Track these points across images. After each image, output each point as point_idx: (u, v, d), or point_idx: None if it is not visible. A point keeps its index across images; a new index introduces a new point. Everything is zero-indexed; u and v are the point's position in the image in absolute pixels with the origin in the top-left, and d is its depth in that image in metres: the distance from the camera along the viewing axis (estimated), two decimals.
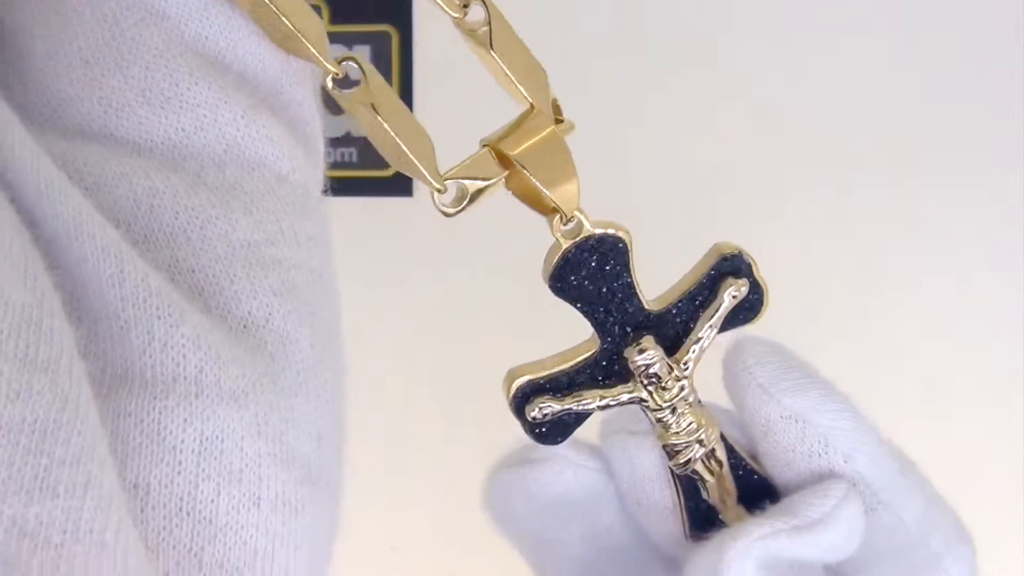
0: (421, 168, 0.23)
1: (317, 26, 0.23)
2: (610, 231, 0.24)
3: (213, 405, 0.22)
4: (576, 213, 0.23)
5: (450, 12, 0.24)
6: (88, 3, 0.24)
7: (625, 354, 0.24)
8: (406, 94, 0.71)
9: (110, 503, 0.19)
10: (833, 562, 0.25)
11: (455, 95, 0.66)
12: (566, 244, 0.24)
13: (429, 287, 0.74)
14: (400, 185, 0.70)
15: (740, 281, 0.25)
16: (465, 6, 0.24)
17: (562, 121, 0.24)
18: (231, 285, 0.23)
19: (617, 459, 0.27)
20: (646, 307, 0.24)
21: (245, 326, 0.23)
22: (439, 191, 0.23)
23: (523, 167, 0.23)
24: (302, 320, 0.24)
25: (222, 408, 0.22)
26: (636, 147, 0.73)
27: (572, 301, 0.24)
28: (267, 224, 0.24)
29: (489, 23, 0.24)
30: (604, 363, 0.25)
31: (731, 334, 0.25)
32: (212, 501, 0.22)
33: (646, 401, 0.25)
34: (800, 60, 0.72)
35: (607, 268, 0.24)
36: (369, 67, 0.23)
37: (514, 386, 0.25)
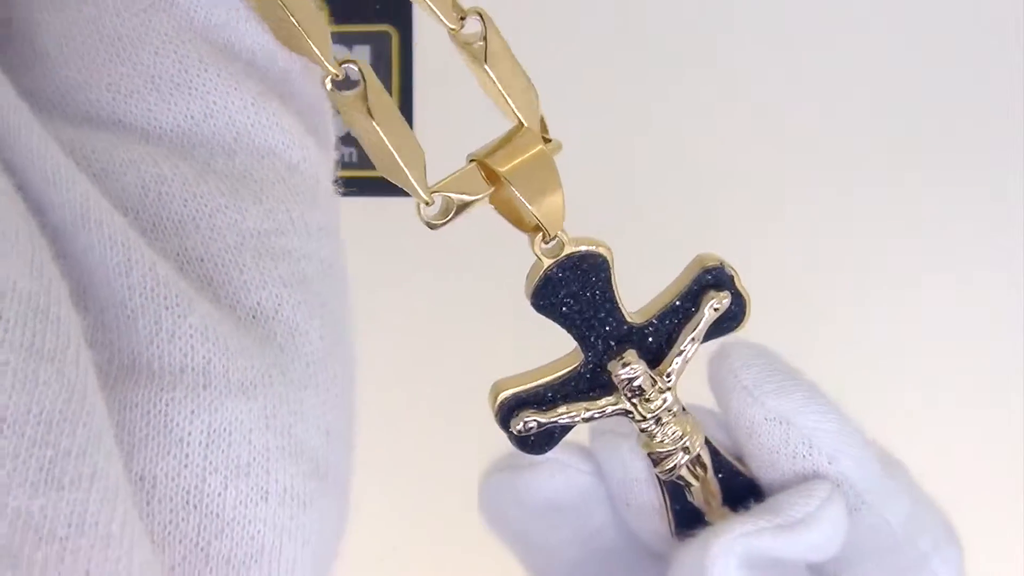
0: (411, 179, 0.23)
1: (322, 26, 0.23)
2: (591, 248, 0.24)
3: (221, 397, 0.22)
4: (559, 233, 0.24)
5: (447, 23, 0.24)
6: None
7: (608, 367, 0.25)
8: (406, 94, 0.71)
9: (116, 495, 0.18)
10: (817, 561, 0.25)
11: (455, 96, 0.67)
12: (547, 262, 0.24)
13: (429, 287, 0.74)
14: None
15: (722, 293, 0.25)
16: (462, 18, 0.24)
17: (550, 140, 0.24)
18: (240, 275, 0.23)
19: (607, 461, 0.27)
20: (628, 321, 0.25)
21: (254, 317, 0.23)
22: (426, 203, 0.23)
23: (512, 185, 0.23)
24: (312, 311, 0.24)
25: (230, 400, 0.22)
26: (635, 147, 0.73)
27: (555, 318, 0.24)
28: (277, 213, 0.24)
29: (485, 38, 0.24)
30: (588, 376, 0.25)
31: (716, 340, 0.26)
32: (219, 494, 0.21)
33: (631, 413, 0.25)
34: (800, 60, 0.72)
35: (589, 285, 0.24)
36: (369, 72, 0.23)
37: (498, 401, 0.25)
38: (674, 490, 0.26)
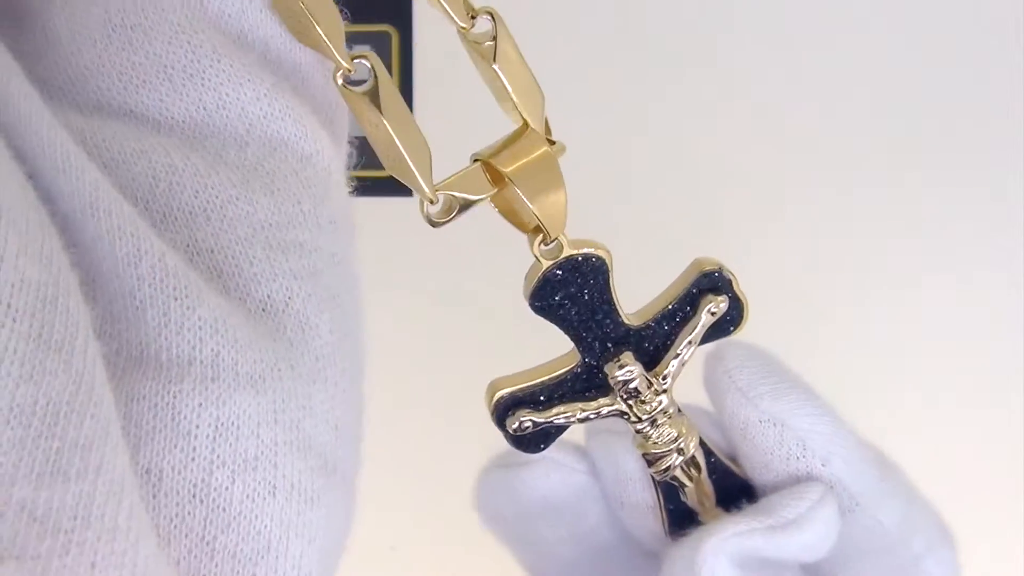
0: (417, 176, 0.23)
1: (336, 20, 0.23)
2: (590, 251, 0.24)
3: (229, 390, 0.21)
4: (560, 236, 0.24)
5: (458, 21, 0.24)
6: None
7: (605, 369, 0.25)
8: (406, 94, 0.71)
9: (123, 488, 0.18)
10: (810, 562, 0.25)
11: (455, 95, 0.67)
12: (546, 264, 0.24)
13: (430, 287, 0.74)
14: (400, 185, 0.70)
15: (720, 298, 0.25)
16: (473, 17, 0.24)
17: (554, 142, 0.24)
18: (250, 267, 0.23)
19: (601, 460, 0.27)
20: (626, 323, 0.25)
21: (264, 309, 0.23)
22: (431, 201, 0.23)
23: (516, 186, 0.23)
24: (322, 305, 0.24)
25: (238, 393, 0.21)
26: (635, 147, 0.73)
27: (552, 319, 0.24)
28: (288, 206, 0.24)
29: (495, 38, 0.24)
30: (584, 377, 0.25)
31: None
32: (226, 488, 0.21)
33: (626, 414, 0.25)
34: (800, 60, 0.72)
35: (587, 287, 0.24)
36: (380, 67, 0.23)
37: (494, 400, 0.25)
38: (668, 490, 0.26)
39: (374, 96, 0.23)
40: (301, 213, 0.24)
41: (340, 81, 0.23)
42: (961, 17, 0.70)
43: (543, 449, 0.26)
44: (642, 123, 0.73)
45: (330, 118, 0.25)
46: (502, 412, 0.25)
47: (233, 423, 0.21)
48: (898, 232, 0.72)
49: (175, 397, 0.21)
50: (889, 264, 0.72)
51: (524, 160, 0.23)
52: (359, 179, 0.27)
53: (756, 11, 0.72)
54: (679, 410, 0.26)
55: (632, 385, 0.25)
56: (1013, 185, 0.71)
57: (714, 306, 0.25)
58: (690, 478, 0.26)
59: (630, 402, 0.25)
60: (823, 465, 0.25)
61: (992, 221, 0.71)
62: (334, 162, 0.25)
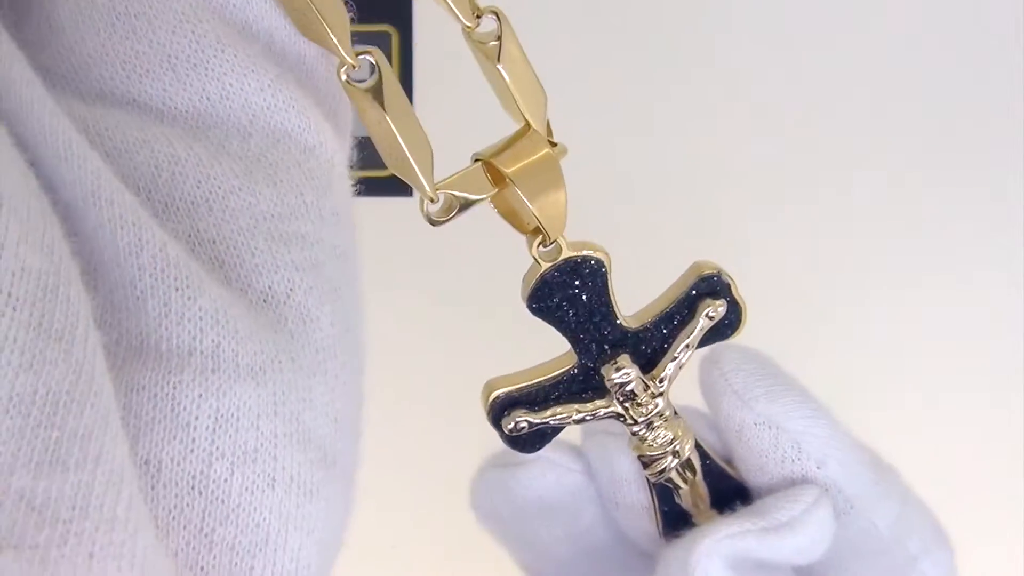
0: (418, 174, 0.23)
1: (342, 16, 0.23)
2: (589, 253, 0.24)
3: (229, 381, 0.21)
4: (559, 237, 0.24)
5: (463, 20, 0.23)
6: None
7: (602, 371, 0.25)
8: (406, 94, 0.71)
9: (122, 478, 0.18)
10: (804, 564, 0.25)
11: (455, 95, 0.67)
12: (544, 266, 0.24)
13: (430, 287, 0.74)
14: (400, 185, 0.70)
15: (718, 302, 0.25)
16: (478, 16, 0.24)
17: (555, 144, 0.24)
18: (252, 258, 0.23)
19: (597, 460, 0.27)
20: (623, 325, 0.25)
21: (265, 300, 0.23)
22: (431, 200, 0.23)
23: (517, 186, 0.23)
24: (323, 297, 0.24)
25: (238, 385, 0.21)
26: (635, 146, 0.73)
27: (550, 321, 0.24)
28: (291, 197, 0.24)
29: (500, 37, 0.23)
30: (581, 378, 0.25)
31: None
32: (225, 480, 0.21)
33: (622, 416, 0.25)
34: (800, 60, 0.72)
35: (585, 289, 0.24)
36: (385, 64, 0.23)
37: (490, 400, 0.25)
38: (663, 492, 0.26)
39: (377, 92, 0.23)
40: (304, 205, 0.24)
41: (344, 77, 0.23)
42: (961, 17, 0.70)
43: (538, 449, 0.26)
44: (642, 123, 0.73)
45: (333, 110, 0.25)
46: (498, 412, 0.25)
47: (233, 415, 0.21)
48: (898, 232, 0.72)
49: (175, 388, 0.21)
50: (889, 264, 0.72)
51: (525, 161, 0.23)
52: (359, 179, 0.27)
53: (756, 11, 0.72)
54: (675, 413, 0.26)
55: (628, 388, 0.25)
56: (1013, 185, 0.71)
57: (712, 310, 0.25)
58: (685, 480, 0.26)
59: (626, 404, 0.25)
60: (818, 468, 0.25)
61: (992, 221, 0.71)
62: (337, 154, 0.25)
